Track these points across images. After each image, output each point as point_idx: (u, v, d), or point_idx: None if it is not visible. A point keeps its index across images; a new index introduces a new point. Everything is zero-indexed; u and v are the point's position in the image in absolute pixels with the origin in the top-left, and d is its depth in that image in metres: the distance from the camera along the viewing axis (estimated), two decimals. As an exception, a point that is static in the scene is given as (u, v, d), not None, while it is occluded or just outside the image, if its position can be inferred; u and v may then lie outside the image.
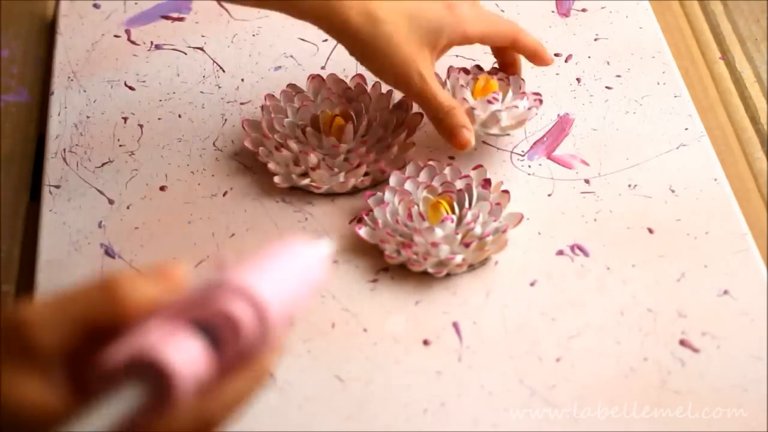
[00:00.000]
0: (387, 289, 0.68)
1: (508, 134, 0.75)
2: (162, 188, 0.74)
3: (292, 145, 0.73)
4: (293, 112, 0.75)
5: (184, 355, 0.40)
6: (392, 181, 0.72)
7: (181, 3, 0.88)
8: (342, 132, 0.73)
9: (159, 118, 0.79)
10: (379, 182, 0.73)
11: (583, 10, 0.85)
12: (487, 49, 0.82)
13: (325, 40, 0.83)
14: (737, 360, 0.63)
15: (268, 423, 0.62)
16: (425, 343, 0.65)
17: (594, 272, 0.68)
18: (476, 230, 0.68)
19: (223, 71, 0.82)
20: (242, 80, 0.81)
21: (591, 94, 0.79)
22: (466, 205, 0.70)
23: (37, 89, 0.84)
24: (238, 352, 0.42)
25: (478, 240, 0.68)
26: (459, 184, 0.71)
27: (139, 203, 0.73)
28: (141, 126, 0.78)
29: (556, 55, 0.81)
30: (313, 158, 0.72)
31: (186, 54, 0.84)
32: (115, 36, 0.85)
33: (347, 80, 0.77)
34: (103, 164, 0.76)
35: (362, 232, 0.69)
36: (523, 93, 0.74)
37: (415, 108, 0.76)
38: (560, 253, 0.69)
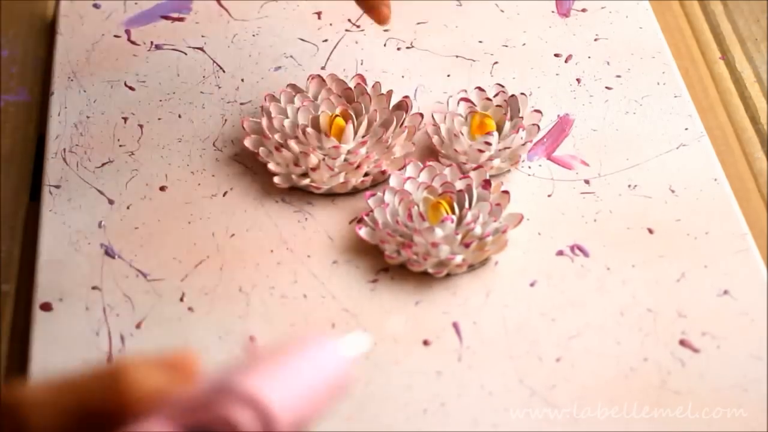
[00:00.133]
0: (387, 290, 0.68)
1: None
2: (162, 188, 0.74)
3: (293, 145, 0.73)
4: (293, 113, 0.75)
5: None
6: (392, 181, 0.72)
7: (181, 3, 0.88)
8: (342, 132, 0.73)
9: (159, 118, 0.79)
10: (379, 183, 0.73)
11: (583, 10, 0.85)
12: (487, 48, 0.82)
13: (325, 41, 0.83)
14: (737, 360, 0.64)
15: (268, 423, 0.62)
16: (425, 343, 0.65)
17: (594, 272, 0.68)
18: (476, 230, 0.68)
19: (223, 71, 0.82)
20: (242, 80, 0.81)
21: (591, 94, 0.79)
22: (466, 205, 0.70)
23: (37, 89, 0.84)
24: None
25: (478, 240, 0.68)
26: (459, 185, 0.71)
27: (139, 203, 0.73)
28: (141, 126, 0.78)
29: (556, 55, 0.81)
30: (313, 159, 0.72)
31: (186, 54, 0.84)
32: (115, 36, 0.85)
33: (347, 80, 0.77)
34: (103, 164, 0.76)
35: (362, 232, 0.69)
36: (520, 126, 0.74)
37: (415, 108, 0.77)
38: (560, 253, 0.69)
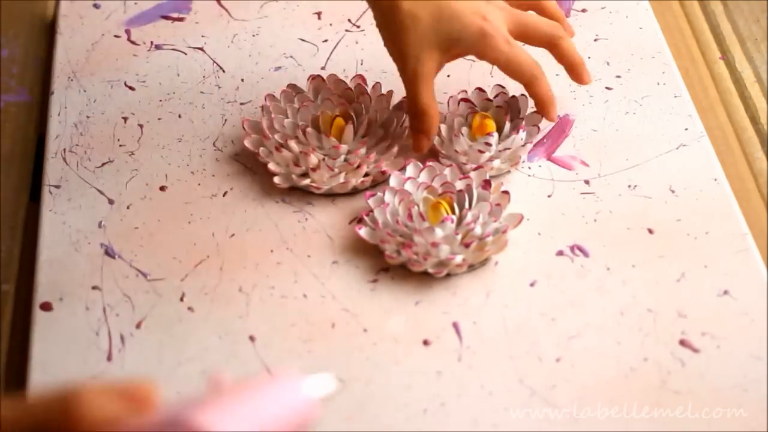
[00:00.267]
0: (387, 290, 0.68)
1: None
2: (162, 188, 0.74)
3: (293, 145, 0.73)
4: (293, 113, 0.75)
5: None
6: (392, 181, 0.72)
7: (181, 3, 0.88)
8: (342, 132, 0.73)
9: (159, 118, 0.79)
10: (379, 183, 0.73)
11: (583, 10, 0.85)
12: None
13: (325, 41, 0.83)
14: (737, 360, 0.63)
15: (268, 423, 0.62)
16: (425, 343, 0.65)
17: (594, 272, 0.68)
18: (476, 231, 0.68)
19: (223, 71, 0.82)
20: (242, 80, 0.81)
21: (591, 95, 0.79)
22: (466, 205, 0.70)
23: (37, 89, 0.84)
24: None
25: (478, 240, 0.68)
26: (459, 185, 0.71)
27: (139, 203, 0.73)
28: (141, 126, 0.78)
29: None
30: (313, 159, 0.72)
31: (186, 54, 0.84)
32: (115, 36, 0.85)
33: (347, 81, 0.77)
34: (103, 164, 0.76)
35: (362, 232, 0.69)
36: (520, 127, 0.74)
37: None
38: (560, 253, 0.69)
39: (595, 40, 0.83)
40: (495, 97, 0.76)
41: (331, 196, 0.73)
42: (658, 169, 0.74)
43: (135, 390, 0.42)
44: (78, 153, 0.77)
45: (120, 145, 0.77)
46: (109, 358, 0.65)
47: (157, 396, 0.42)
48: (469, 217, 0.69)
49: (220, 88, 0.81)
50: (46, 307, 0.68)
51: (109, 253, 0.71)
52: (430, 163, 0.72)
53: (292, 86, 0.77)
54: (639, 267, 0.68)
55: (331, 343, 0.65)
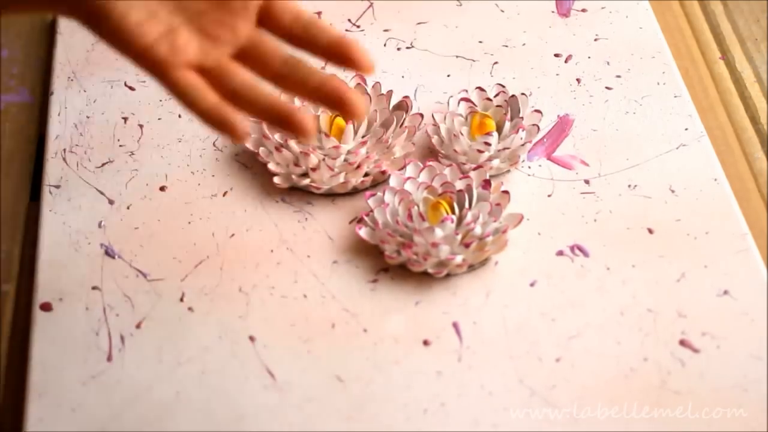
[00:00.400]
0: (387, 290, 0.68)
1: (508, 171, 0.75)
2: (162, 188, 0.74)
3: (293, 145, 0.73)
4: (293, 113, 0.75)
5: None
6: (392, 181, 0.72)
7: (181, 3, 0.88)
8: (342, 132, 0.73)
9: (159, 118, 0.79)
10: (379, 183, 0.73)
11: (583, 10, 0.85)
12: (487, 48, 0.82)
13: (325, 41, 0.83)
14: (737, 360, 0.63)
15: (268, 423, 0.62)
16: (425, 343, 0.65)
17: (594, 272, 0.68)
18: (476, 231, 0.68)
19: (223, 71, 0.82)
20: (242, 80, 0.81)
21: (591, 94, 0.79)
22: (466, 205, 0.70)
23: (38, 89, 0.84)
24: None
25: (478, 240, 0.68)
26: (459, 185, 0.71)
27: (139, 203, 0.73)
28: (141, 126, 0.78)
29: (556, 55, 0.81)
30: (313, 159, 0.72)
31: (186, 54, 0.84)
32: (115, 36, 0.85)
33: (347, 80, 0.77)
34: (103, 164, 0.76)
35: (362, 232, 0.69)
36: (520, 127, 0.74)
37: (415, 108, 0.77)
38: (560, 253, 0.69)
39: (595, 40, 0.83)
40: (495, 96, 0.76)
41: (331, 196, 0.73)
42: (658, 169, 0.74)
43: None
44: (78, 153, 0.77)
45: (120, 145, 0.77)
46: (109, 358, 0.65)
47: None
48: (469, 217, 0.69)
49: (220, 88, 0.81)
50: (46, 307, 0.68)
51: (109, 253, 0.71)
52: (430, 163, 0.72)
53: (292, 86, 0.77)
54: (639, 267, 0.68)
55: (331, 343, 0.65)
